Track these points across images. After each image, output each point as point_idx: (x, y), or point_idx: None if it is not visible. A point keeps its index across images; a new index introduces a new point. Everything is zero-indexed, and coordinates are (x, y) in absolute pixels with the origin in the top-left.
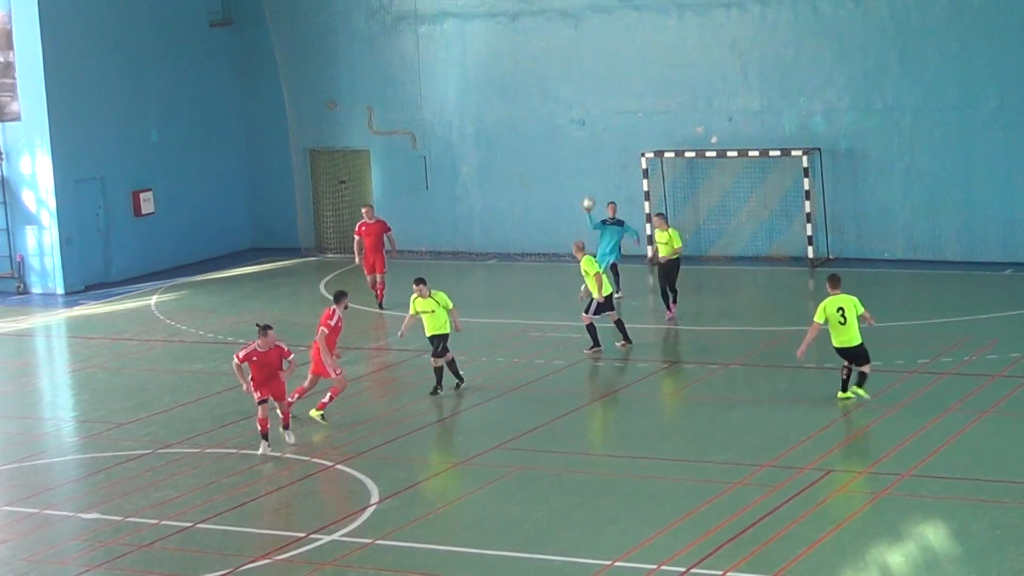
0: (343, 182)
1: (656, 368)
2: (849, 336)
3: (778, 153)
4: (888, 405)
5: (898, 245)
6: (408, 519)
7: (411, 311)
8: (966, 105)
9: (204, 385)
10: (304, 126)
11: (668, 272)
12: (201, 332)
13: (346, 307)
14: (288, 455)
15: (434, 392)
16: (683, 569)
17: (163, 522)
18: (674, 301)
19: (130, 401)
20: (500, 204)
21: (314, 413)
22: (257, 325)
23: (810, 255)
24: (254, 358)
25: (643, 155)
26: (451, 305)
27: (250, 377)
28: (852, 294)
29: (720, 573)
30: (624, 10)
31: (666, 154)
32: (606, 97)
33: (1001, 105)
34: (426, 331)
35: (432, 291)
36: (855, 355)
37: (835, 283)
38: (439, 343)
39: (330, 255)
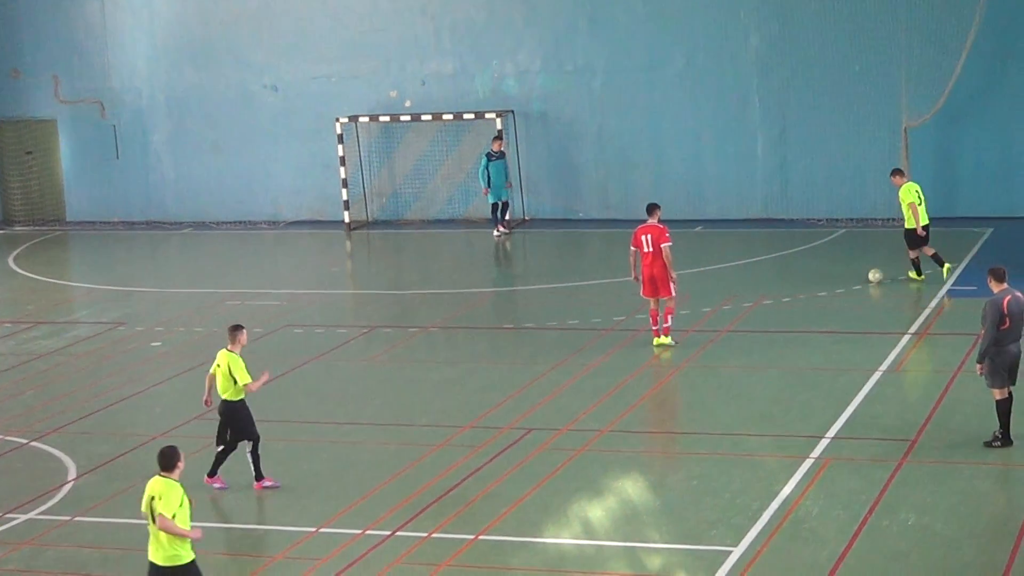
0: (30, 152)
1: (356, 333)
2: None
3: (472, 116)
4: (585, 363)
5: (592, 205)
6: (107, 494)
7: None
8: (653, 66)
9: None
10: None
11: None
12: None
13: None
14: None
15: None
16: (388, 532)
17: None
18: None
19: None
20: (193, 172)
21: (666, 340)
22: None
23: (507, 216)
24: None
25: (337, 120)
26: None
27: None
28: (553, 253)
29: (425, 535)
30: None
31: (360, 119)
32: (299, 62)
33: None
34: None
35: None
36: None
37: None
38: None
39: (18, 227)
